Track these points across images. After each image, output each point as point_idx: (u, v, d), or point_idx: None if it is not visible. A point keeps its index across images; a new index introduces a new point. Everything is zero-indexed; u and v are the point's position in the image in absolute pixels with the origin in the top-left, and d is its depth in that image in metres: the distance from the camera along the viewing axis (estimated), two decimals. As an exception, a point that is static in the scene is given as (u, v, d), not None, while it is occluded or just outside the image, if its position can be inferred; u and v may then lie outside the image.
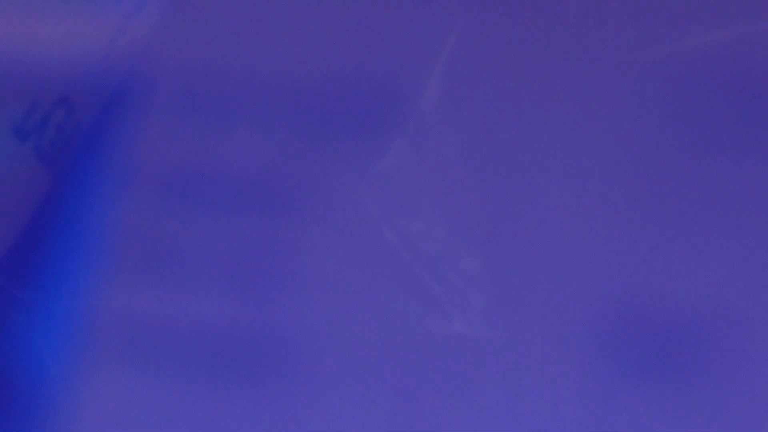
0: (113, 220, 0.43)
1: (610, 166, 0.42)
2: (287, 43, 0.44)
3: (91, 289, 0.43)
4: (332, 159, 0.43)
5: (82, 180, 0.43)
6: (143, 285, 0.42)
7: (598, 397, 0.40)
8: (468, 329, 0.41)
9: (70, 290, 0.43)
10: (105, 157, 0.44)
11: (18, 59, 0.40)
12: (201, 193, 0.43)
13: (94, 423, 0.41)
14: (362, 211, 0.42)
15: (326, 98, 0.43)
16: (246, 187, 0.43)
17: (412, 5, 0.44)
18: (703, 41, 0.42)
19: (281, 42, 0.44)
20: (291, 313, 0.42)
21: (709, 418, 0.39)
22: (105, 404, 0.42)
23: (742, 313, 0.40)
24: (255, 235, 0.42)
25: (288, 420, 0.41)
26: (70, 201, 0.43)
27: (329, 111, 0.43)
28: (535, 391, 0.40)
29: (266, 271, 0.42)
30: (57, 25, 0.41)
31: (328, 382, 0.41)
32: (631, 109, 0.42)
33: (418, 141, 0.42)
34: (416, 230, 0.42)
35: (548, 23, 0.43)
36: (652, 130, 0.42)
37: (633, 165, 0.42)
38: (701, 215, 0.41)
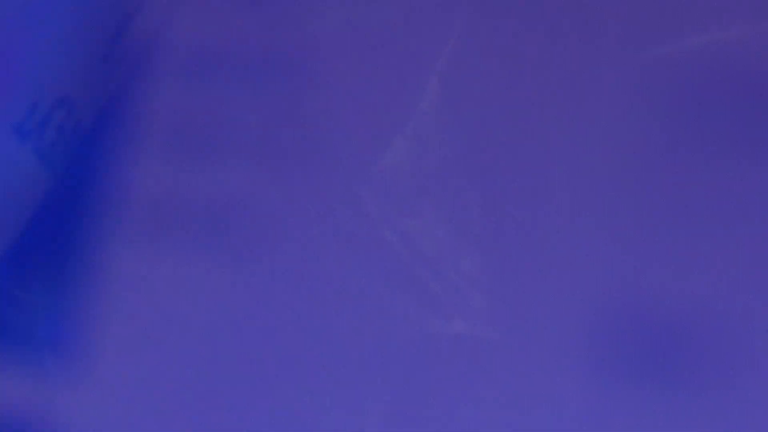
0: (113, 220, 0.43)
1: (610, 165, 0.42)
2: (288, 43, 0.44)
3: (92, 288, 0.43)
4: (332, 158, 0.43)
5: (82, 180, 0.43)
6: (143, 285, 0.42)
7: (598, 397, 0.40)
8: (468, 329, 0.41)
9: (70, 290, 0.43)
10: (105, 158, 0.44)
11: (18, 59, 0.40)
12: (201, 193, 0.43)
13: (95, 422, 0.41)
14: (362, 211, 0.42)
15: (327, 98, 0.43)
16: (246, 187, 0.43)
17: (412, 5, 0.44)
18: (703, 41, 0.42)
19: (281, 42, 0.44)
20: (291, 313, 0.42)
21: (709, 418, 0.39)
22: (105, 404, 0.42)
23: (742, 313, 0.40)
24: (255, 235, 0.42)
25: (288, 420, 0.41)
26: (70, 201, 0.43)
27: (329, 110, 0.43)
28: (535, 391, 0.40)
29: (266, 270, 0.42)
30: (57, 25, 0.41)
31: (328, 381, 0.41)
32: (632, 108, 0.42)
33: (418, 141, 0.42)
34: (416, 230, 0.42)
35: (548, 23, 0.43)
36: (652, 130, 0.42)
37: (633, 164, 0.42)
38: (701, 215, 0.41)
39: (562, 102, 0.42)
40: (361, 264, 0.42)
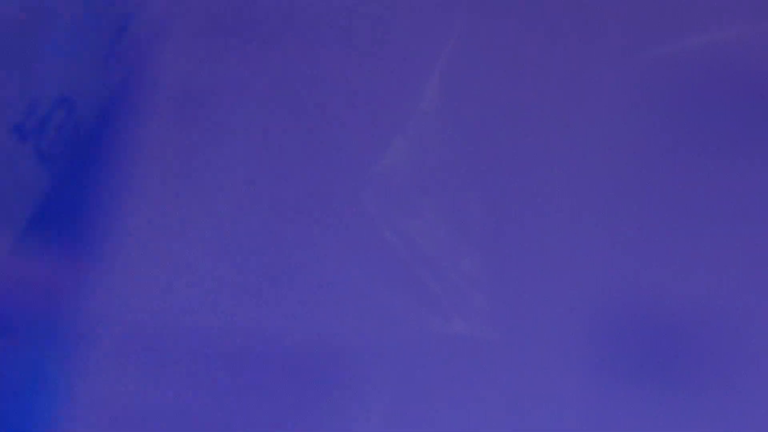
0: (113, 220, 0.43)
1: (610, 165, 0.42)
2: (288, 43, 0.44)
3: (91, 287, 0.43)
4: (332, 159, 0.43)
5: (82, 180, 0.43)
6: (143, 285, 0.42)
7: (598, 397, 0.40)
8: (468, 329, 0.41)
9: (70, 290, 0.43)
10: (105, 157, 0.44)
11: (18, 59, 0.40)
12: (201, 192, 0.43)
13: (94, 423, 0.41)
14: (362, 211, 0.42)
15: (326, 98, 0.43)
16: (246, 187, 0.43)
17: (412, 5, 0.44)
18: (703, 41, 0.42)
19: (282, 42, 0.44)
20: (291, 313, 0.42)
21: (709, 418, 0.39)
22: (105, 404, 0.42)
23: (742, 313, 0.40)
24: (255, 235, 0.42)
25: (288, 420, 0.41)
26: (70, 201, 0.43)
27: (329, 111, 0.43)
28: (535, 391, 0.40)
29: (266, 271, 0.42)
30: (58, 25, 0.41)
31: (328, 381, 0.41)
32: (632, 108, 0.42)
33: (418, 141, 0.42)
34: (416, 230, 0.42)
35: (548, 23, 0.43)
36: (652, 130, 0.42)
37: (633, 164, 0.42)
38: (701, 215, 0.41)
39: (562, 102, 0.42)
40: (361, 264, 0.42)
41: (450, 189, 0.42)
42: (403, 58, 0.43)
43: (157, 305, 0.42)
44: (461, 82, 0.43)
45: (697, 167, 0.41)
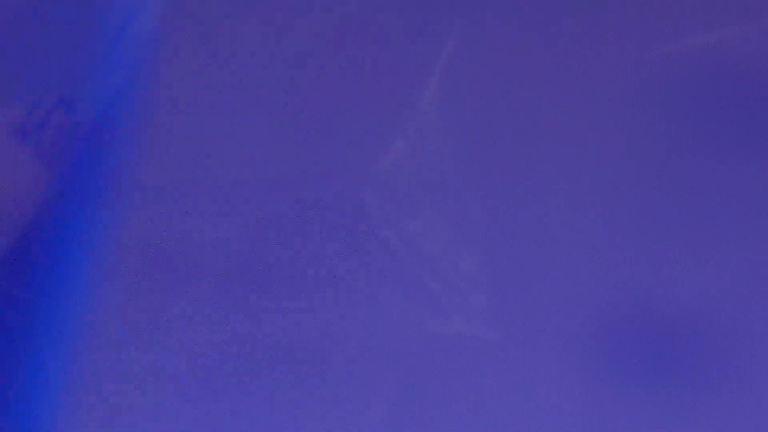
0: (113, 220, 0.43)
1: (611, 165, 0.42)
2: (288, 43, 0.44)
3: (91, 288, 0.43)
4: (332, 159, 0.43)
5: (82, 180, 0.43)
6: (143, 284, 0.42)
7: (598, 398, 0.40)
8: (468, 329, 0.41)
9: (70, 290, 0.43)
10: (105, 157, 0.44)
11: (18, 59, 0.40)
12: (201, 192, 0.43)
13: (94, 423, 0.41)
14: (362, 211, 0.42)
15: (327, 98, 0.43)
16: (246, 186, 0.43)
17: (412, 5, 0.44)
18: (703, 41, 0.42)
19: (282, 42, 0.44)
20: (291, 313, 0.42)
21: (709, 419, 0.39)
22: (105, 404, 0.42)
23: (742, 314, 0.40)
24: (255, 234, 0.42)
25: (288, 420, 0.41)
26: (70, 201, 0.43)
27: (329, 111, 0.43)
28: (535, 391, 0.40)
29: (266, 271, 0.42)
30: (57, 26, 0.41)
31: (328, 382, 0.41)
32: (632, 108, 0.42)
33: (418, 141, 0.42)
34: (416, 230, 0.42)
35: (548, 23, 0.43)
36: (652, 130, 0.42)
37: (633, 164, 0.42)
38: (701, 215, 0.41)
39: (563, 102, 0.42)
40: (361, 264, 0.42)
41: (450, 189, 0.42)
42: (403, 58, 0.43)
43: (156, 305, 0.42)
44: (461, 82, 0.43)
45: (697, 167, 0.41)
